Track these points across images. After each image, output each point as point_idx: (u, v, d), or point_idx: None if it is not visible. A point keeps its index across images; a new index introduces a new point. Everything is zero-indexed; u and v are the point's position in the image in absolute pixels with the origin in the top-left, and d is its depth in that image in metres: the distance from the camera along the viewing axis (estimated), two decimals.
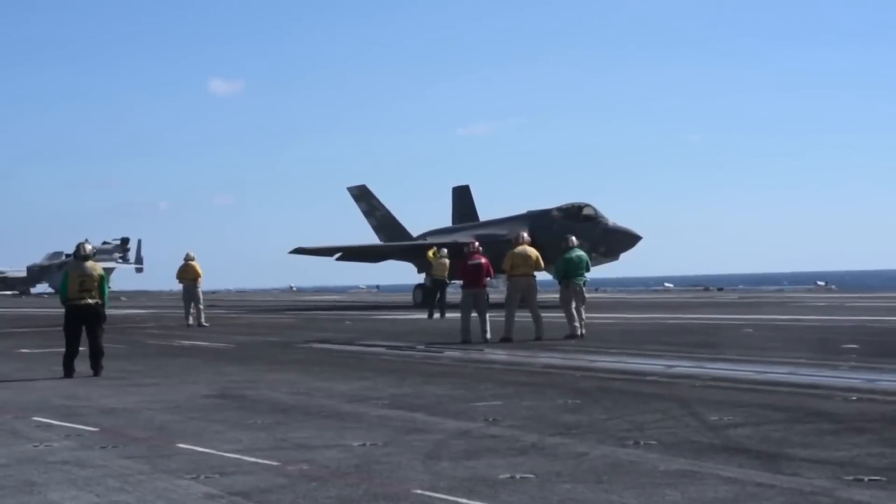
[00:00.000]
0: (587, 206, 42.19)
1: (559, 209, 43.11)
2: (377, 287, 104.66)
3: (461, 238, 41.32)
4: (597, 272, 35.30)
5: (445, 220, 54.59)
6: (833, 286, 71.37)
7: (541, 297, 23.86)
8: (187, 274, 32.38)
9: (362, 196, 57.48)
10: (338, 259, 51.50)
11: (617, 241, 41.21)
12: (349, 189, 58.39)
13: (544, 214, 43.54)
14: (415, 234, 54.11)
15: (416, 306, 41.31)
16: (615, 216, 42.17)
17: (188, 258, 32.62)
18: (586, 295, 22.90)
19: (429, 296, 34.79)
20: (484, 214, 52.98)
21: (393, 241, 53.88)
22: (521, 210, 46.38)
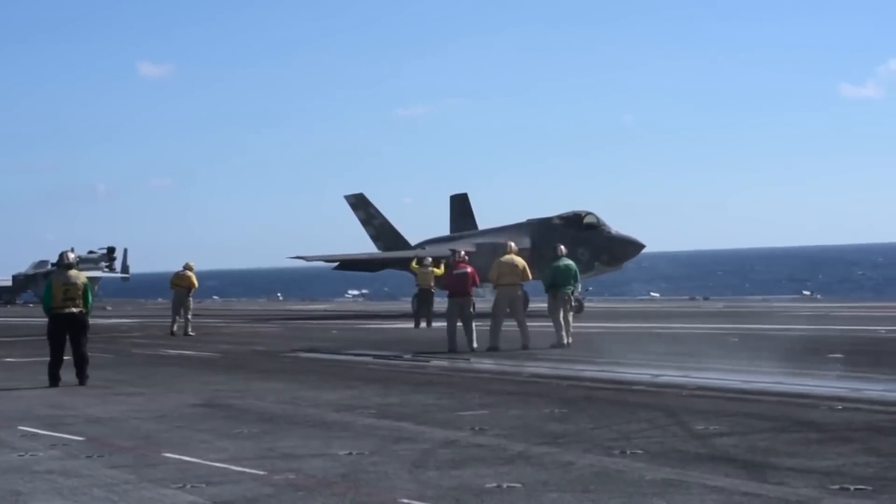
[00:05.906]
0: (589, 214, 42.05)
1: (560, 217, 42.96)
2: (364, 294, 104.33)
3: (460, 246, 41.19)
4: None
5: (443, 229, 54.43)
6: (818, 296, 71.58)
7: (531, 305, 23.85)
8: (181, 282, 32.39)
9: (359, 204, 57.36)
10: (335, 269, 51.63)
11: (620, 249, 41.01)
12: (346, 197, 58.22)
13: (545, 223, 43.41)
14: (413, 242, 54.01)
15: (413, 314, 41.28)
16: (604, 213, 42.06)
17: (187, 267, 32.69)
18: (584, 303, 22.87)
19: (422, 305, 34.80)
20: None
21: (391, 249, 53.82)
22: (520, 218, 46.23)
